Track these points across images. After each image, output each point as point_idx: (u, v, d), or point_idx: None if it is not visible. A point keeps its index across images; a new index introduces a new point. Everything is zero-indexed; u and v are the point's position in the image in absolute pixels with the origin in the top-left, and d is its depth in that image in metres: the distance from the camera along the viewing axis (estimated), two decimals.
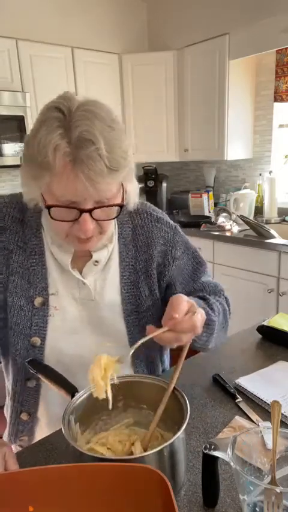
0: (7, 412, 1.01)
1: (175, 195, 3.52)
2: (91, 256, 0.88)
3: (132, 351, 0.70)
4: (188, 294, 0.92)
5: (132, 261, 0.93)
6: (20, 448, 0.99)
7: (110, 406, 0.67)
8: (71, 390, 0.76)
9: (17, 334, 0.89)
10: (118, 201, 0.77)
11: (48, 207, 0.73)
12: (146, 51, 3.32)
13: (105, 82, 3.03)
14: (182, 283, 0.96)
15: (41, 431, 0.94)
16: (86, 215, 0.72)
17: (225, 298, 0.99)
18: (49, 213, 0.73)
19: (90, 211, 0.72)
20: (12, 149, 2.58)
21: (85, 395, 0.74)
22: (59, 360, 0.89)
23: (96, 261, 0.89)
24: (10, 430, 0.98)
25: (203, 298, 0.91)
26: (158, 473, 0.51)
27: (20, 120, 2.58)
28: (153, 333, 0.70)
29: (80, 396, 0.73)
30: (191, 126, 3.07)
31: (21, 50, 2.59)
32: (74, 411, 0.70)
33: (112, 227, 0.90)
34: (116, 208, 0.77)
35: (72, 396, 0.74)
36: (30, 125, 2.61)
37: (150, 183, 3.28)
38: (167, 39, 3.18)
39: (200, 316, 0.73)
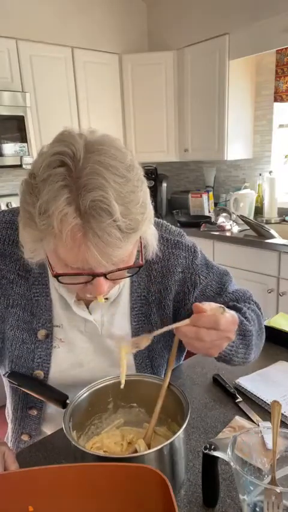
0: (9, 423, 0.98)
1: (175, 195, 3.52)
2: None
3: (150, 340, 0.66)
4: None
5: (144, 292, 0.86)
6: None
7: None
8: (62, 398, 0.75)
9: (19, 368, 0.85)
10: (133, 257, 0.68)
11: (56, 276, 0.64)
12: (146, 51, 3.32)
13: (105, 82, 3.03)
14: (206, 301, 0.88)
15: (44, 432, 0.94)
16: (99, 278, 0.63)
17: (255, 303, 0.93)
18: (57, 280, 0.64)
19: (104, 275, 0.63)
20: (12, 149, 2.58)
21: (78, 402, 0.73)
22: (61, 384, 0.84)
23: (106, 298, 0.82)
24: (11, 445, 0.95)
25: (235, 308, 0.84)
26: (158, 473, 0.51)
27: (20, 120, 2.58)
28: (174, 324, 0.65)
29: (74, 403, 0.72)
30: (191, 126, 3.07)
31: (21, 50, 2.59)
32: (70, 418, 0.69)
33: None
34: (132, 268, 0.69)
35: (64, 404, 0.73)
36: (30, 124, 2.62)
37: (150, 183, 3.22)
38: (167, 39, 3.18)
39: (228, 315, 0.66)
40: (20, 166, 2.63)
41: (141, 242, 0.69)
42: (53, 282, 0.82)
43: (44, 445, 0.80)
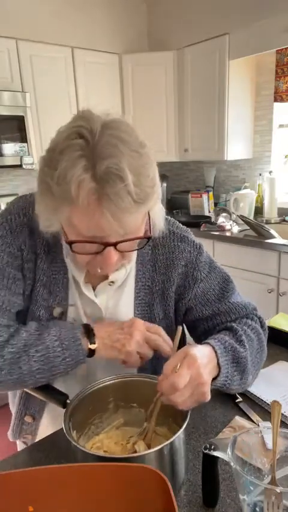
0: (12, 408, 1.00)
1: (175, 195, 3.52)
2: (107, 275, 0.83)
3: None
4: (213, 316, 0.90)
5: (148, 282, 0.88)
6: (23, 444, 0.99)
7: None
8: (62, 399, 0.75)
9: None
10: (143, 230, 0.72)
11: (70, 243, 0.68)
12: (146, 51, 3.32)
13: (105, 82, 3.03)
14: (205, 305, 0.90)
15: (45, 432, 0.94)
16: (110, 249, 0.68)
17: (259, 318, 0.91)
18: (70, 248, 0.69)
19: (115, 244, 0.68)
20: (12, 149, 2.58)
21: (78, 401, 0.73)
22: (64, 382, 0.85)
23: (112, 282, 0.85)
24: (14, 427, 0.97)
25: (230, 329, 0.84)
26: (158, 473, 0.51)
27: (20, 120, 2.58)
28: (154, 411, 0.70)
29: (74, 403, 0.72)
30: (191, 126, 3.07)
31: (21, 50, 2.59)
32: (70, 418, 0.69)
33: (134, 252, 0.85)
34: (141, 239, 0.73)
35: (64, 405, 0.73)
36: (30, 124, 2.62)
37: None
38: (167, 39, 3.18)
39: (185, 371, 0.65)
40: (20, 166, 2.63)
41: (149, 216, 0.72)
42: (68, 263, 0.84)
43: (44, 445, 0.80)
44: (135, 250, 0.75)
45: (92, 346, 0.76)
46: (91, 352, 0.76)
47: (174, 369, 0.66)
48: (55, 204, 0.65)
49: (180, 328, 0.77)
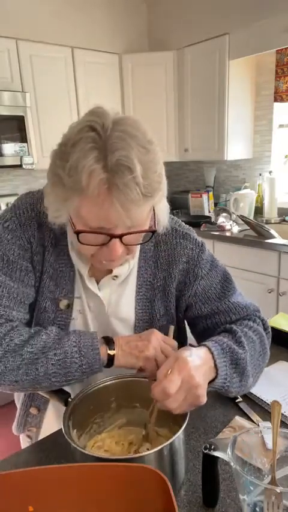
0: (18, 401, 1.01)
1: (175, 195, 3.52)
2: (111, 269, 0.85)
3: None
4: (212, 315, 0.90)
5: (150, 278, 0.90)
6: (27, 438, 0.99)
7: None
8: (64, 397, 0.75)
9: None
10: (148, 224, 0.74)
11: (77, 233, 0.69)
12: (146, 51, 3.32)
13: (105, 82, 3.03)
14: (205, 303, 0.90)
15: (49, 425, 0.95)
16: (115, 240, 0.69)
17: (261, 320, 0.90)
18: (77, 238, 0.70)
19: (120, 236, 0.69)
20: (12, 149, 2.58)
21: (79, 400, 0.73)
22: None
23: (116, 276, 0.86)
24: (19, 420, 0.98)
25: (230, 331, 0.83)
26: (158, 473, 0.51)
27: (20, 120, 2.58)
28: (152, 419, 0.71)
29: (75, 401, 0.73)
30: (191, 126, 3.07)
31: (21, 50, 2.59)
32: (71, 417, 0.70)
33: (138, 247, 0.87)
34: (147, 233, 0.75)
35: (66, 402, 0.74)
36: (30, 125, 2.62)
37: None
38: (167, 39, 3.17)
39: (175, 376, 0.65)
40: (20, 166, 2.63)
41: (154, 211, 0.74)
42: (73, 256, 0.85)
43: (44, 445, 0.80)
44: (139, 244, 0.76)
45: (111, 352, 0.76)
46: (109, 362, 0.76)
47: (166, 374, 0.66)
48: (65, 194, 0.67)
49: (172, 327, 0.78)
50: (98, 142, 0.63)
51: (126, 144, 0.64)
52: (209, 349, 0.74)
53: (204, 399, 0.68)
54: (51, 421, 0.95)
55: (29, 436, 0.99)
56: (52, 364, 0.74)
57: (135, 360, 0.76)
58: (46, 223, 0.81)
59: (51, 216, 0.74)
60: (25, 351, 0.74)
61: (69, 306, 0.86)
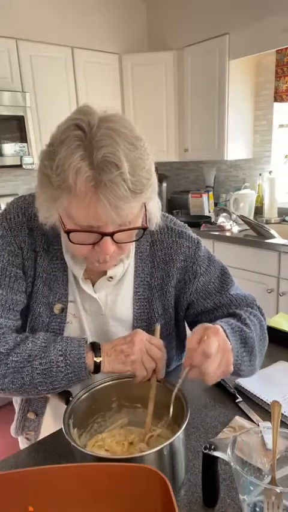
0: (16, 404, 1.01)
1: (175, 195, 3.52)
2: (106, 271, 0.85)
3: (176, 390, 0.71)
4: (215, 309, 0.91)
5: (147, 277, 0.89)
6: (26, 440, 0.99)
7: None
8: (65, 395, 0.75)
9: None
10: (140, 221, 0.74)
11: (68, 232, 0.69)
12: (146, 51, 3.32)
13: (105, 82, 3.03)
14: (207, 299, 0.91)
15: (48, 428, 0.94)
16: (107, 239, 0.69)
17: (258, 308, 0.93)
18: (68, 238, 0.70)
19: (111, 234, 0.69)
20: (12, 149, 2.58)
21: (80, 399, 0.73)
22: None
23: (111, 277, 0.86)
24: (17, 424, 0.98)
25: (235, 314, 0.86)
26: (158, 473, 0.51)
27: (20, 120, 2.58)
28: (180, 379, 0.70)
29: (76, 400, 0.73)
30: (191, 126, 3.07)
31: (21, 50, 2.59)
32: (71, 415, 0.70)
33: (131, 246, 0.86)
34: (138, 230, 0.74)
35: (67, 401, 0.73)
36: (30, 125, 2.62)
37: None
38: (167, 39, 3.18)
39: (213, 338, 0.67)
40: (20, 166, 2.63)
41: (145, 207, 0.74)
42: (68, 259, 0.85)
43: (44, 445, 0.80)
44: (132, 241, 0.76)
45: (97, 359, 0.75)
46: (97, 369, 0.76)
47: (199, 341, 0.67)
48: (54, 194, 0.66)
49: (158, 326, 0.78)
50: (84, 140, 0.63)
51: (112, 141, 0.63)
52: (222, 327, 0.75)
53: (232, 367, 0.72)
54: (50, 425, 0.95)
55: (27, 439, 0.99)
56: (37, 373, 0.73)
57: (122, 366, 0.76)
58: (38, 228, 0.81)
59: (42, 216, 0.73)
60: (10, 360, 0.73)
61: (63, 310, 0.86)
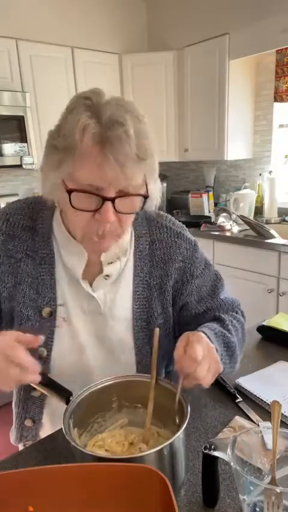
0: (15, 407, 1.00)
1: (175, 195, 3.52)
2: (102, 270, 0.86)
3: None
4: (205, 312, 0.93)
5: (146, 276, 0.90)
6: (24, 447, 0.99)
7: None
8: (66, 395, 0.75)
9: None
10: (141, 191, 0.74)
11: (70, 191, 0.69)
12: (146, 51, 3.32)
13: (105, 82, 3.03)
14: (199, 301, 0.93)
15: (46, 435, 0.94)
16: (108, 204, 0.69)
17: (241, 312, 0.97)
18: (70, 201, 0.70)
19: (113, 199, 0.69)
20: (12, 149, 2.58)
21: (80, 399, 0.73)
22: (63, 371, 0.86)
23: (107, 275, 0.86)
24: (15, 433, 0.97)
25: (218, 319, 0.89)
26: (158, 473, 0.51)
27: (20, 120, 2.58)
28: (178, 392, 0.70)
29: (76, 400, 0.72)
30: (191, 126, 3.07)
31: (21, 50, 2.59)
32: (71, 415, 0.69)
33: (130, 228, 0.87)
34: (139, 202, 0.74)
35: (67, 401, 0.73)
36: (30, 125, 2.62)
37: None
38: (167, 39, 3.18)
39: (196, 344, 0.69)
40: (20, 166, 2.63)
41: (146, 182, 0.74)
42: (60, 260, 0.86)
43: (44, 445, 0.80)
44: (131, 213, 0.76)
45: None
46: None
47: (186, 347, 0.69)
48: (59, 158, 0.68)
49: (157, 330, 0.78)
50: (92, 107, 0.67)
51: (119, 109, 0.68)
52: (204, 333, 0.78)
53: (221, 365, 0.74)
54: (48, 433, 0.94)
55: (25, 445, 0.98)
56: None
57: None
58: (20, 236, 0.84)
59: (45, 191, 0.76)
60: None
61: (52, 314, 0.86)
